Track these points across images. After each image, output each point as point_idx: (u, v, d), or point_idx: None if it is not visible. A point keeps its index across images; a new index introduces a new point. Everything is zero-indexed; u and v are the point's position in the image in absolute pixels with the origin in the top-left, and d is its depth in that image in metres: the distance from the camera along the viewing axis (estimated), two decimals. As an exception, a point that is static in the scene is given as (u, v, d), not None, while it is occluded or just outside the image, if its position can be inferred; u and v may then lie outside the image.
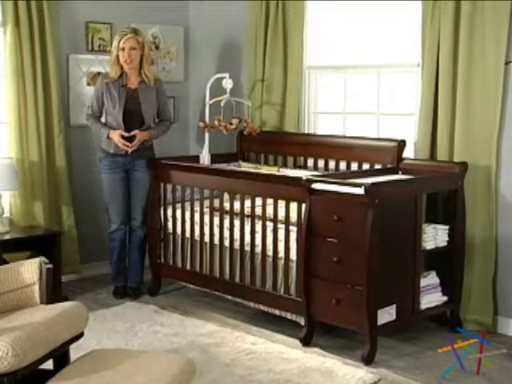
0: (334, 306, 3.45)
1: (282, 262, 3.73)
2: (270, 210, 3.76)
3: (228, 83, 4.57)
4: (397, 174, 3.91)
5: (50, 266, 2.97)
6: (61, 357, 2.81)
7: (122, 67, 4.23)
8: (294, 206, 3.64)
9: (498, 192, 3.76)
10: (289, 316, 3.77)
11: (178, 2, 5.20)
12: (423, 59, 3.92)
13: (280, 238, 3.72)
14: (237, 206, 3.93)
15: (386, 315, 3.42)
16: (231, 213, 3.95)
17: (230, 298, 4.08)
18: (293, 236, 3.65)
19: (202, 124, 4.69)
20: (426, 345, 3.64)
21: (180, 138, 5.27)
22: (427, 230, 3.63)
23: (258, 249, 3.82)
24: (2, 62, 4.36)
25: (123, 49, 4.15)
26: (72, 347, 2.86)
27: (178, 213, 4.28)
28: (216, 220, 4.04)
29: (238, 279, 3.97)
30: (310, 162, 4.45)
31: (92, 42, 4.77)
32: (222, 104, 4.57)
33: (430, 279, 3.71)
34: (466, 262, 3.79)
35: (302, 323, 3.66)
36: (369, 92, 4.39)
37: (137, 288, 4.47)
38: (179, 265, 4.32)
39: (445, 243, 3.73)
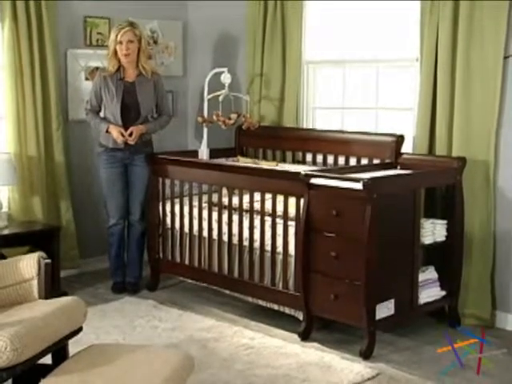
0: (333, 301, 3.45)
1: (280, 257, 3.73)
2: (268, 205, 3.76)
3: (226, 78, 4.56)
4: (395, 168, 3.91)
5: (49, 260, 2.97)
6: (59, 351, 2.81)
7: (119, 61, 4.22)
8: (292, 200, 3.64)
9: (496, 187, 3.76)
10: (287, 311, 3.77)
11: (177, -3, 5.19)
12: (422, 54, 3.91)
13: (278, 232, 3.71)
14: (235, 200, 3.92)
15: (385, 310, 3.42)
16: (230, 208, 3.94)
17: (228, 292, 4.08)
18: (291, 231, 3.65)
19: (200, 119, 4.67)
20: (425, 339, 3.64)
21: (178, 133, 5.26)
22: (425, 225, 3.63)
23: (257, 244, 3.82)
24: (0, 57, 4.35)
25: (121, 42, 4.14)
26: (71, 342, 2.86)
27: (177, 208, 4.27)
28: (214, 215, 4.04)
29: (236, 274, 3.97)
30: (309, 156, 4.45)
31: (90, 36, 4.76)
32: (221, 99, 4.55)
33: (428, 274, 3.71)
34: (464, 256, 3.79)
35: (301, 318, 3.66)
36: (367, 87, 4.38)
37: (135, 283, 4.46)
38: (178, 260, 4.32)
39: (443, 238, 3.73)
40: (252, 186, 3.84)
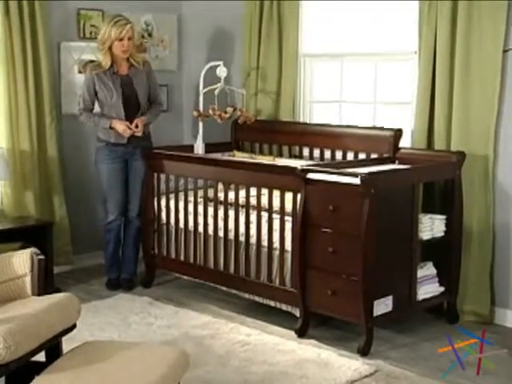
0: (330, 297, 3.43)
1: (277, 253, 3.71)
2: (264, 200, 3.74)
3: (222, 71, 4.55)
4: (393, 163, 3.90)
5: (42, 256, 2.95)
6: (53, 349, 2.79)
7: (112, 56, 4.18)
8: (289, 196, 3.62)
9: (495, 182, 3.75)
10: (284, 307, 3.75)
11: (171, -11, 5.16)
12: (420, 46, 3.89)
13: (275, 228, 3.70)
14: (231, 196, 3.91)
15: (382, 306, 3.41)
16: (225, 203, 3.92)
17: (224, 289, 4.06)
18: (288, 226, 3.64)
19: (195, 113, 4.66)
20: (423, 336, 3.64)
21: (173, 128, 5.22)
22: (424, 221, 3.62)
23: (253, 239, 3.81)
24: (-8, 50, 4.33)
25: (122, 39, 4.12)
26: (64, 339, 2.85)
27: (172, 203, 4.26)
28: (210, 210, 4.02)
29: (232, 270, 3.95)
30: (306, 151, 4.44)
31: (84, 29, 4.74)
32: (216, 93, 4.54)
33: (426, 270, 3.70)
34: (463, 252, 3.78)
35: (298, 314, 3.65)
36: (365, 80, 4.37)
37: (130, 279, 4.44)
38: (173, 256, 4.30)
39: (442, 233, 3.72)
40: (248, 181, 3.82)
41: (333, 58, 4.53)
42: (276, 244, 3.70)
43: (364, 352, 3.38)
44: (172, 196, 4.25)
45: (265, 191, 3.73)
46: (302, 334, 3.61)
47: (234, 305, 4.08)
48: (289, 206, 3.62)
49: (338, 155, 4.23)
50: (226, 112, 4.53)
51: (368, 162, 3.85)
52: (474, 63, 3.70)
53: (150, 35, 5.05)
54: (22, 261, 2.91)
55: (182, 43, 5.27)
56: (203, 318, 3.87)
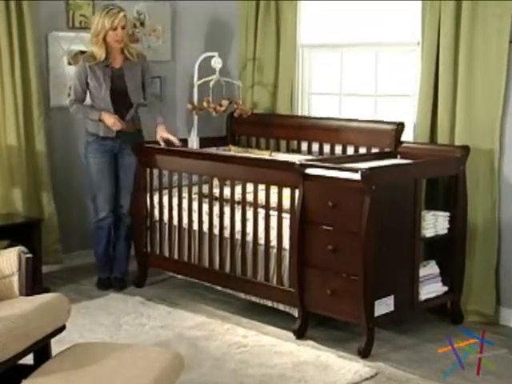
0: (329, 297, 3.41)
1: (274, 251, 3.69)
2: (261, 197, 3.71)
3: (217, 62, 4.53)
4: (395, 158, 3.89)
5: (30, 255, 2.92)
6: (42, 351, 2.78)
7: (106, 48, 4.13)
8: (286, 192, 3.60)
9: (501, 177, 3.73)
10: (281, 307, 3.73)
11: (165, -23, 5.14)
12: (423, 37, 3.87)
13: (272, 225, 3.68)
14: (227, 192, 3.88)
15: (384, 306, 3.38)
16: (221, 199, 3.90)
17: (219, 288, 4.04)
18: (286, 223, 3.62)
19: (190, 106, 4.63)
20: (425, 337, 3.62)
21: (167, 121, 5.08)
22: (427, 217, 3.60)
23: (250, 237, 3.78)
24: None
25: (115, 28, 4.07)
26: (53, 341, 2.83)
27: (165, 199, 4.23)
28: (205, 207, 4.00)
29: (228, 269, 3.93)
30: (304, 145, 4.42)
31: (73, 19, 4.68)
32: (211, 84, 4.51)
33: (429, 269, 3.67)
34: (467, 250, 3.76)
35: (296, 315, 3.63)
36: (366, 72, 4.35)
37: (122, 279, 4.41)
38: (166, 254, 4.27)
39: (445, 231, 3.70)
40: (244, 177, 3.80)
41: (332, 48, 4.51)
42: (273, 242, 3.68)
43: (364, 354, 3.36)
44: (165, 192, 4.23)
45: (262, 187, 3.71)
46: (300, 335, 3.59)
47: (229, 305, 4.06)
48: (287, 203, 3.60)
49: (338, 150, 4.22)
50: (221, 105, 4.52)
51: (369, 157, 3.84)
52: (479, 54, 3.67)
53: (142, 24, 5.03)
54: (9, 260, 2.89)
55: (176, 33, 5.24)
56: (198, 318, 3.85)
